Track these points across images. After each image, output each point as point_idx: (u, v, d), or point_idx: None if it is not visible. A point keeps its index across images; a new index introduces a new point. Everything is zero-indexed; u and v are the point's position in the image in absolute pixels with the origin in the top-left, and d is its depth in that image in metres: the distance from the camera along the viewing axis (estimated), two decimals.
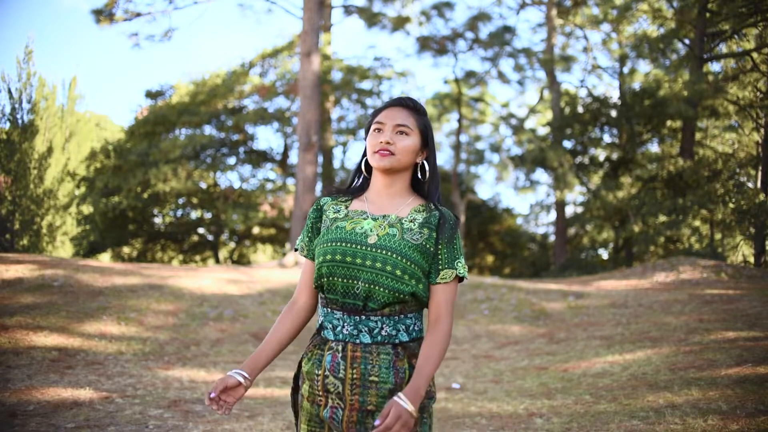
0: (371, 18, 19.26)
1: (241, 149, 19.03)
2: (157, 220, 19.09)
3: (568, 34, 20.91)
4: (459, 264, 1.66)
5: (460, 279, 1.68)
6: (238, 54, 39.62)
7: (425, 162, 1.74)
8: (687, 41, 14.27)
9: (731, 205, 12.18)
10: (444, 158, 23.74)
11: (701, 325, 6.44)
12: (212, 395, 1.58)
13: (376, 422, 1.48)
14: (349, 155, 22.58)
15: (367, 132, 1.76)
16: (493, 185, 40.66)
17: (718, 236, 13.86)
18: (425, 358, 1.57)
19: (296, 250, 1.77)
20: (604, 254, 20.79)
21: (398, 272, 1.58)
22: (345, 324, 1.61)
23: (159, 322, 7.32)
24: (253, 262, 21.71)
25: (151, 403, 4.52)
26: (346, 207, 1.72)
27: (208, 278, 9.67)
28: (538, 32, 21.43)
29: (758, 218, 11.34)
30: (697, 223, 13.53)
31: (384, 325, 1.61)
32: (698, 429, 3.46)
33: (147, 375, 5.40)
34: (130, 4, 15.26)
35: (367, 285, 1.58)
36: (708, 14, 13.38)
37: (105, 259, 18.73)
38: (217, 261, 19.63)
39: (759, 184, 12.78)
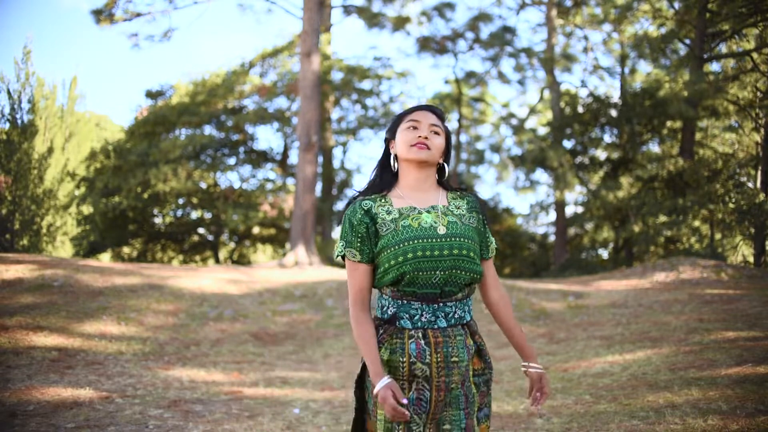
0: (371, 18, 19.26)
1: (241, 149, 19.02)
2: (157, 220, 19.08)
3: (568, 34, 20.90)
4: (491, 239, 1.92)
5: None
6: (238, 54, 39.60)
7: (445, 164, 1.91)
8: (687, 41, 14.27)
9: (731, 205, 12.18)
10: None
11: (701, 325, 6.44)
12: (405, 401, 1.69)
13: (536, 393, 1.84)
14: (349, 155, 22.60)
15: (392, 131, 1.90)
16: (493, 185, 40.66)
17: (718, 236, 13.86)
18: (517, 328, 1.90)
19: (342, 257, 1.82)
20: (604, 254, 20.79)
21: (472, 254, 1.78)
22: (423, 312, 1.75)
23: (159, 322, 7.32)
24: (253, 262, 21.70)
25: (151, 403, 4.52)
26: (392, 206, 1.82)
27: (208, 278, 9.67)
28: (539, 32, 21.44)
29: (758, 218, 11.34)
30: (697, 223, 13.52)
31: (456, 309, 1.79)
32: (698, 429, 3.46)
33: (147, 375, 5.40)
34: (129, 4, 15.25)
35: (445, 273, 1.73)
36: (708, 14, 13.37)
37: (105, 259, 18.72)
38: (217, 261, 19.63)
39: (759, 184, 12.78)
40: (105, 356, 5.90)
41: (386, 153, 1.93)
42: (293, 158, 19.50)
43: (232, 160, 18.92)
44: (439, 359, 1.73)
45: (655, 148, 16.70)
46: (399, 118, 1.89)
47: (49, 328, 6.36)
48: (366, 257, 1.79)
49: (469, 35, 19.86)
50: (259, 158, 19.30)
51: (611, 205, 15.15)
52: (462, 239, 1.76)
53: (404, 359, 1.73)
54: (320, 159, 18.23)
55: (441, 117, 1.89)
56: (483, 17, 19.39)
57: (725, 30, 13.30)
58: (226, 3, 47.14)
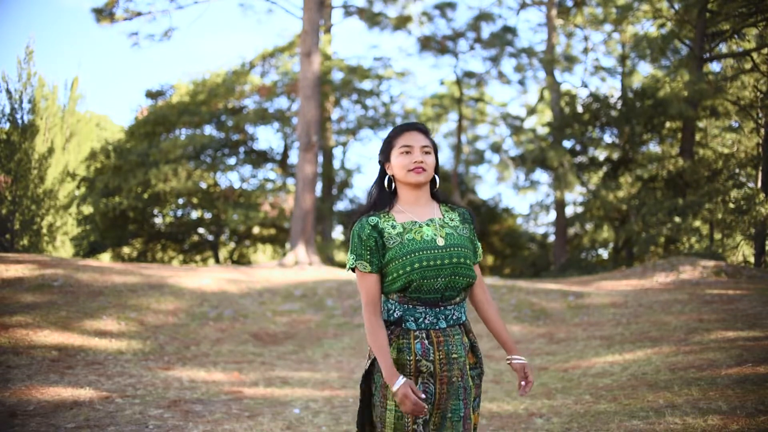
0: (371, 18, 19.24)
1: (242, 149, 19.02)
2: (158, 220, 19.08)
3: (569, 34, 20.90)
4: (479, 243, 2.16)
5: None
6: (239, 54, 39.57)
7: (436, 175, 2.11)
8: (687, 41, 14.26)
9: (731, 205, 12.17)
10: (444, 158, 23.71)
11: (701, 325, 6.44)
12: (423, 396, 1.89)
13: (522, 383, 2.05)
14: (349, 155, 22.60)
15: (386, 153, 2.08)
16: (493, 185, 40.66)
17: (718, 236, 13.85)
18: (501, 324, 2.12)
19: (352, 270, 2.03)
20: (604, 254, 20.78)
21: (468, 261, 2.00)
22: (426, 315, 1.97)
23: (159, 322, 7.32)
24: (253, 262, 21.70)
25: (151, 403, 4.52)
26: (395, 221, 2.03)
27: (208, 278, 9.67)
28: (539, 32, 21.43)
29: (758, 218, 11.33)
30: (697, 223, 13.51)
31: (455, 311, 2.01)
32: (698, 429, 3.46)
33: (147, 375, 5.40)
34: (130, 4, 15.26)
35: (446, 279, 1.95)
36: (708, 14, 13.37)
37: (105, 259, 18.72)
38: (217, 261, 19.62)
39: (759, 184, 12.77)
40: (105, 356, 5.91)
41: (382, 173, 2.11)
42: (293, 158, 19.51)
43: (232, 160, 18.93)
44: (441, 356, 1.95)
45: (655, 148, 16.69)
46: (390, 142, 2.07)
47: (49, 327, 6.36)
48: (375, 268, 1.98)
49: (470, 35, 19.85)
50: (260, 158, 19.30)
51: (611, 205, 15.14)
52: (459, 248, 1.99)
53: (411, 357, 1.94)
54: (320, 159, 18.22)
55: (428, 134, 2.08)
56: (484, 16, 19.37)
57: (725, 30, 13.29)
58: (226, 3, 47.17)
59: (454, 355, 1.96)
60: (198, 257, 20.46)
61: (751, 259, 12.84)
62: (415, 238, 1.97)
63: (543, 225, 24.56)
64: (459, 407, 1.97)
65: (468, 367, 2.03)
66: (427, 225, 2.02)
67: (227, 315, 7.99)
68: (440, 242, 1.98)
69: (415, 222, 2.02)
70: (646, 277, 10.39)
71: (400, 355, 1.95)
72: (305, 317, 8.41)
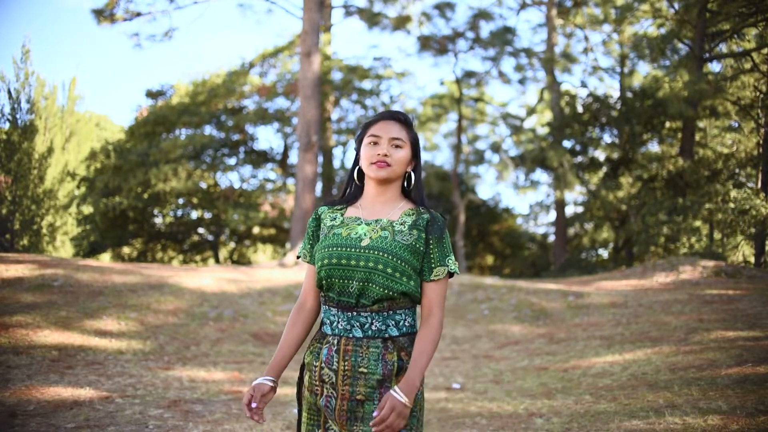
0: (371, 18, 19.23)
1: (242, 149, 19.03)
2: (158, 220, 19.08)
3: (568, 34, 20.90)
4: (449, 261, 1.79)
5: (450, 275, 1.80)
6: (238, 54, 39.63)
7: (413, 172, 1.87)
8: (687, 41, 14.26)
9: (731, 205, 12.17)
10: (444, 158, 23.73)
11: (701, 325, 6.44)
12: (254, 405, 1.74)
13: (374, 413, 1.64)
14: (349, 155, 22.58)
15: (359, 143, 1.88)
16: (493, 185, 40.68)
17: (718, 236, 13.85)
18: (419, 352, 1.71)
19: (298, 257, 1.92)
20: (604, 254, 20.78)
21: (389, 270, 1.71)
22: (339, 320, 1.76)
23: (159, 322, 7.32)
24: (253, 262, 21.70)
25: (151, 403, 4.52)
26: (342, 215, 1.86)
27: (208, 278, 9.67)
28: (539, 32, 21.43)
29: (758, 218, 11.33)
30: (697, 223, 13.51)
31: (374, 321, 1.74)
32: (698, 429, 3.46)
33: (147, 375, 5.40)
34: (130, 4, 15.25)
35: (360, 284, 1.72)
36: (708, 14, 13.36)
37: (105, 259, 18.72)
38: (217, 261, 19.62)
39: (759, 184, 12.76)
40: (105, 356, 5.90)
41: (356, 162, 1.91)
42: (293, 158, 19.52)
43: (232, 160, 18.94)
44: (346, 367, 1.72)
45: (655, 148, 16.69)
46: (363, 130, 1.87)
47: (49, 327, 6.36)
48: (311, 258, 1.87)
49: (470, 35, 19.85)
50: (260, 158, 19.30)
51: (611, 205, 15.14)
52: (382, 254, 1.71)
53: (317, 363, 1.77)
54: (320, 159, 18.22)
55: (406, 124, 1.84)
56: (484, 15, 19.37)
57: (725, 30, 13.29)
58: (226, 3, 47.19)
59: (362, 369, 1.70)
60: (198, 257, 20.46)
61: (751, 259, 12.83)
62: (342, 233, 1.78)
63: (543, 225, 24.58)
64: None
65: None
66: (368, 224, 1.79)
67: (227, 315, 7.99)
68: (364, 242, 1.74)
69: (359, 218, 1.82)
70: (646, 277, 10.39)
71: (310, 360, 1.79)
72: None
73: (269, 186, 18.77)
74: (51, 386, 4.71)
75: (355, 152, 1.92)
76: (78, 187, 17.58)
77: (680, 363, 5.05)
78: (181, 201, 18.26)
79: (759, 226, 11.63)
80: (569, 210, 20.16)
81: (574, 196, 20.62)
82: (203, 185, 17.92)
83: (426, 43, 20.02)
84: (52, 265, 8.88)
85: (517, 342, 7.14)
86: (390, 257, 1.72)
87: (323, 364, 1.75)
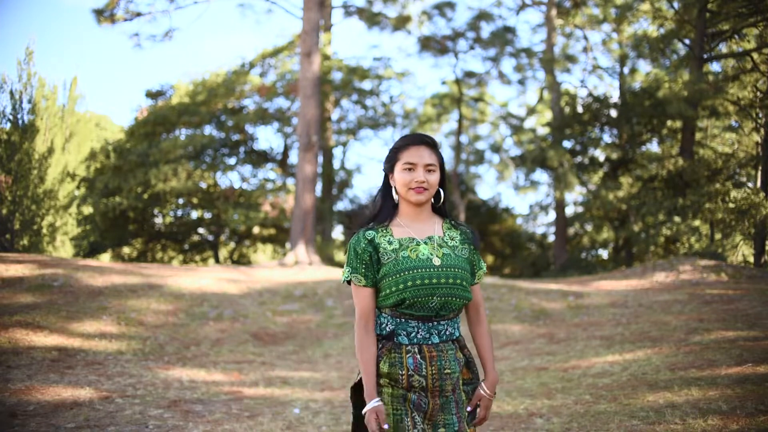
0: (371, 18, 19.23)
1: (242, 149, 19.02)
2: (158, 220, 19.07)
3: (568, 34, 20.89)
4: (482, 263, 2.13)
5: None
6: (238, 54, 39.52)
7: (441, 189, 2.08)
8: (687, 41, 14.25)
9: (731, 205, 12.17)
10: (444, 158, 23.68)
11: (701, 325, 6.44)
12: (386, 426, 1.89)
13: (468, 409, 2.00)
14: (349, 155, 22.61)
15: (390, 164, 2.04)
16: (493, 185, 40.66)
17: (718, 236, 13.84)
18: (486, 349, 2.08)
19: (348, 282, 2.02)
20: (604, 254, 20.77)
21: (464, 283, 1.99)
22: (419, 330, 1.96)
23: (159, 322, 7.32)
24: (253, 262, 21.69)
25: (151, 403, 4.52)
26: (392, 236, 2.02)
27: (208, 278, 9.67)
28: (539, 32, 21.42)
29: (758, 218, 11.33)
30: (697, 223, 13.50)
31: (448, 327, 2.00)
32: (698, 429, 3.46)
33: (147, 375, 5.40)
34: (131, 4, 15.26)
35: (442, 299, 1.94)
36: (708, 14, 13.36)
37: (105, 259, 18.72)
38: (217, 261, 19.61)
39: (759, 184, 12.76)
40: (105, 356, 5.90)
41: (386, 183, 2.08)
42: (293, 158, 19.51)
43: (232, 160, 18.92)
44: (434, 371, 1.94)
45: (654, 148, 16.69)
46: (395, 154, 2.02)
47: (49, 328, 6.36)
48: (370, 282, 1.98)
49: (470, 35, 19.84)
50: (260, 158, 19.29)
51: (611, 205, 15.13)
52: (455, 269, 1.97)
53: (403, 372, 1.93)
54: (320, 159, 18.22)
55: (435, 147, 2.04)
56: (484, 15, 19.36)
57: (725, 30, 13.28)
58: (226, 3, 47.09)
59: (447, 371, 1.95)
60: (198, 257, 20.45)
61: (751, 259, 12.82)
62: (410, 256, 1.96)
63: (543, 225, 24.56)
64: (452, 421, 1.95)
65: (462, 382, 2.02)
66: (425, 243, 2.00)
67: (227, 315, 7.99)
68: (436, 262, 1.96)
69: (413, 239, 2.00)
70: (646, 277, 10.39)
71: (392, 369, 1.94)
72: (305, 317, 8.41)
73: (269, 186, 18.76)
74: (51, 386, 4.71)
75: (384, 173, 2.08)
76: (78, 187, 17.56)
77: (680, 363, 5.05)
78: (181, 201, 18.24)
79: (759, 226, 11.63)
80: (569, 210, 20.16)
81: (574, 196, 20.62)
82: (203, 185, 17.91)
83: (426, 43, 20.01)
84: (52, 265, 8.88)
85: (517, 342, 7.14)
86: (461, 271, 1.98)
87: (411, 372, 1.93)
